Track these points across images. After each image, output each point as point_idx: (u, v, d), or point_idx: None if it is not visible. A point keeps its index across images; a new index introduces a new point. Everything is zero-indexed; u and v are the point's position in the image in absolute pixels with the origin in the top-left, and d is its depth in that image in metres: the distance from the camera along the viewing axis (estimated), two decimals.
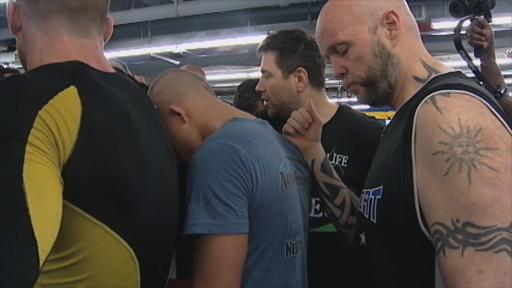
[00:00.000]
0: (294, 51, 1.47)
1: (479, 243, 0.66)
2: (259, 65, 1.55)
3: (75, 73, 0.72)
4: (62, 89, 0.66)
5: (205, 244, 0.93)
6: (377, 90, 0.96)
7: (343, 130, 1.47)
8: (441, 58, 7.36)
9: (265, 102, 1.56)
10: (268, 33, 6.08)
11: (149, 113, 0.88)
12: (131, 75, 1.37)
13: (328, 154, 1.39)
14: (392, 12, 0.93)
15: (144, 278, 0.78)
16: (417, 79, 0.93)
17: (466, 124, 0.71)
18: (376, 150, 1.00)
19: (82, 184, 0.66)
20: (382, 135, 1.00)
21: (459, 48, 1.84)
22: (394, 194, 0.80)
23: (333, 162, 1.44)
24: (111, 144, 0.71)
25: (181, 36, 6.28)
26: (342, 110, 1.57)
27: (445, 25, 5.15)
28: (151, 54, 6.72)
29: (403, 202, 0.77)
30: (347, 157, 1.44)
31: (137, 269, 0.76)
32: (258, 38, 6.00)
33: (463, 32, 1.91)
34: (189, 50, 6.42)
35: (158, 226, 0.83)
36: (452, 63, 7.29)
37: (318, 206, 1.46)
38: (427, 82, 0.90)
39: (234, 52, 7.04)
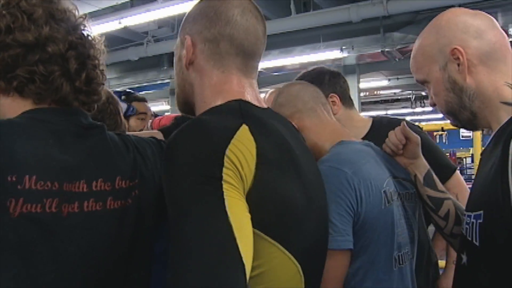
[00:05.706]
0: (321, 82, 1.64)
1: None
2: None
3: (243, 112, 0.81)
4: (237, 129, 0.75)
5: None
6: (459, 119, 1.02)
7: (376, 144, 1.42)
8: None
9: None
10: (341, 49, 6.35)
11: (299, 141, 0.96)
12: None
13: None
14: (456, 48, 0.96)
15: None
16: (508, 103, 0.93)
17: None
18: None
19: (260, 210, 0.74)
20: (480, 157, 1.00)
21: None
22: (495, 219, 0.83)
23: None
24: (281, 173, 0.79)
25: None
26: (375, 123, 1.70)
27: None
28: None
29: (504, 227, 0.79)
30: None
31: (302, 282, 0.83)
32: (331, 54, 5.91)
33: None
34: (263, 68, 6.04)
35: (317, 244, 0.91)
36: None
37: None
38: None
39: (303, 69, 6.02)
